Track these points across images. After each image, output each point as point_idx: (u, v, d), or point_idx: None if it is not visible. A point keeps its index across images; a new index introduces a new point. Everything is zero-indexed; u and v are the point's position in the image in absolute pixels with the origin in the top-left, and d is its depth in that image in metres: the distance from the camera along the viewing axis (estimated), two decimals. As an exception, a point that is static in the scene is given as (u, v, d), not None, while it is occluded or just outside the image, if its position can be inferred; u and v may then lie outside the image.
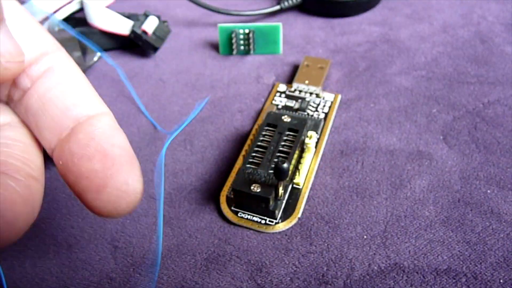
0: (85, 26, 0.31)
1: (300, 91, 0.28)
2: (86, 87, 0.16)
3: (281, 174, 0.19)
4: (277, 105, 0.27)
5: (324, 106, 0.27)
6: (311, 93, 0.28)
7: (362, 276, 0.20)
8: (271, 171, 0.21)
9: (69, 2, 0.31)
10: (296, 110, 0.27)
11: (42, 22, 0.30)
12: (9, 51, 0.13)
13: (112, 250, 0.21)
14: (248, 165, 0.22)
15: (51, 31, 0.29)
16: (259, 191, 0.20)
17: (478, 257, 0.20)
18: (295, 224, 0.22)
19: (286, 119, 0.23)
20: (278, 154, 0.22)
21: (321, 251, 0.21)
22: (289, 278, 0.20)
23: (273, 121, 0.23)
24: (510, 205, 0.22)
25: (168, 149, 0.26)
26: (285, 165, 0.19)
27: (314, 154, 0.24)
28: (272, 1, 0.35)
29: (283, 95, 0.28)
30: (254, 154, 0.22)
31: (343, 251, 0.21)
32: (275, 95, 0.28)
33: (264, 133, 0.23)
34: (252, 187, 0.21)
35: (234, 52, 0.31)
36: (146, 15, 0.31)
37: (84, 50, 0.30)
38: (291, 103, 0.27)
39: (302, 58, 0.30)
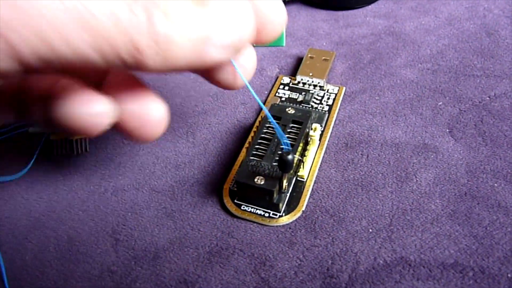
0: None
1: (304, 84, 0.27)
2: None
3: (285, 166, 0.19)
4: (281, 97, 0.27)
5: (328, 98, 0.27)
6: (315, 86, 0.27)
7: (367, 270, 0.19)
8: (275, 164, 0.21)
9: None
10: (300, 102, 0.26)
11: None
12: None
13: (113, 243, 0.21)
14: (251, 157, 0.21)
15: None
16: (263, 184, 0.20)
17: (485, 251, 0.20)
18: (299, 217, 0.21)
19: (290, 111, 0.23)
20: (282, 146, 0.22)
21: (326, 245, 0.20)
22: (293, 272, 0.20)
23: (277, 113, 0.23)
24: (518, 198, 0.21)
25: (170, 142, 0.25)
26: (290, 156, 0.19)
27: (318, 147, 0.24)
28: (275, -7, 0.35)
29: (286, 88, 0.27)
30: (257, 146, 0.22)
31: (348, 245, 0.20)
32: (278, 87, 0.28)
33: (267, 125, 0.23)
34: (256, 180, 0.20)
35: (237, 44, 0.30)
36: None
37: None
38: (295, 96, 0.27)
39: (306, 50, 0.29)
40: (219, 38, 0.15)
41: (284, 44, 0.31)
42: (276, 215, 0.21)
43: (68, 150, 0.25)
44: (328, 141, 0.25)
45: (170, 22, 0.14)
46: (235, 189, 0.22)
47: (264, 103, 0.27)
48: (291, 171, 0.21)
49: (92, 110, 0.18)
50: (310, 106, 0.26)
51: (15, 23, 0.12)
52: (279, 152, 0.21)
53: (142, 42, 0.14)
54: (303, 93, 0.27)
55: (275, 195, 0.21)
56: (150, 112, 0.19)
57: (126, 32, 0.14)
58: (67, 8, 0.13)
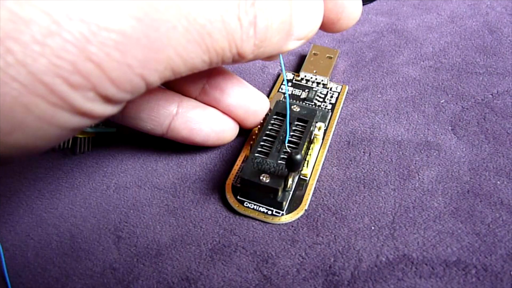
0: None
1: (308, 81, 0.27)
2: None
3: (294, 166, 0.19)
4: (284, 93, 0.27)
5: (331, 96, 0.26)
6: (318, 83, 0.27)
7: (370, 268, 0.19)
8: (281, 162, 0.20)
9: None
10: (303, 99, 0.26)
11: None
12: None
13: (116, 240, 0.21)
14: (256, 154, 0.21)
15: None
16: (269, 182, 0.20)
17: (488, 248, 0.20)
18: (301, 216, 0.21)
19: (296, 108, 0.23)
20: (288, 144, 0.21)
21: (328, 242, 0.20)
22: (295, 269, 0.20)
23: (282, 110, 0.23)
24: (520, 196, 0.21)
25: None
26: (299, 156, 0.18)
27: (321, 145, 0.24)
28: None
29: (289, 84, 0.27)
30: (262, 143, 0.22)
31: (350, 242, 0.20)
32: (281, 83, 0.27)
33: (272, 122, 0.22)
34: (261, 177, 0.20)
35: (239, 41, 0.30)
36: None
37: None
38: (298, 92, 0.27)
39: (308, 48, 0.29)
40: (298, 31, 0.17)
41: (286, 41, 0.31)
42: (279, 213, 0.21)
43: (70, 146, 0.25)
44: (331, 139, 0.24)
45: (267, 20, 0.15)
46: (238, 185, 0.22)
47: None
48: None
49: (221, 127, 0.22)
50: (313, 104, 0.26)
51: (149, 61, 0.13)
52: (284, 150, 0.21)
53: (245, 43, 0.15)
54: (306, 90, 0.27)
55: (280, 194, 0.20)
56: (252, 103, 0.22)
57: (234, 40, 0.15)
58: (188, 31, 0.14)
